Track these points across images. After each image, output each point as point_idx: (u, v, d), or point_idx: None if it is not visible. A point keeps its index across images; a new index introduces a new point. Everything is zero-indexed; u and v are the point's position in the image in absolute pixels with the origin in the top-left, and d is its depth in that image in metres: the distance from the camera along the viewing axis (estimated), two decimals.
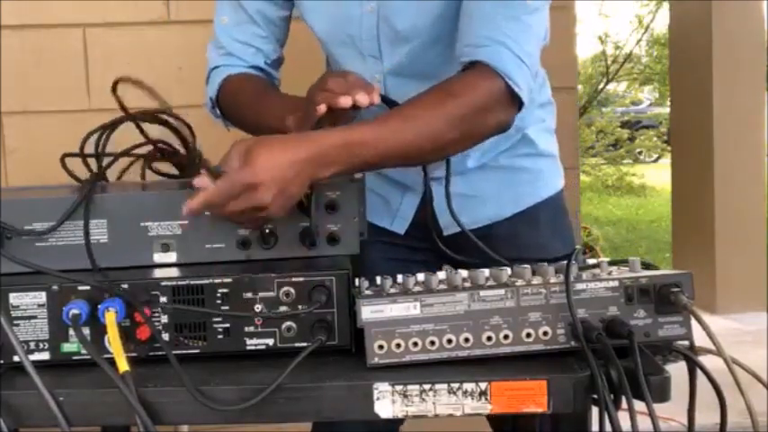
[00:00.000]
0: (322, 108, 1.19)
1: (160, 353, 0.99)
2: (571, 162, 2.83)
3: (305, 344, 0.99)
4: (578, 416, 0.95)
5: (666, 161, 9.36)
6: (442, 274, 1.03)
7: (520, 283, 0.98)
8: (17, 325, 1.00)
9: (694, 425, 1.01)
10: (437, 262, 1.50)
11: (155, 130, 1.38)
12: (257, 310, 1.02)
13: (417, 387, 0.93)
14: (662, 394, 0.91)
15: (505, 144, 1.47)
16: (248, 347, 1.02)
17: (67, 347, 1.01)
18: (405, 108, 1.19)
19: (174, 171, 1.42)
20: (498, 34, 1.21)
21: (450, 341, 0.97)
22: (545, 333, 0.97)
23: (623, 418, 0.89)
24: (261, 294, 1.02)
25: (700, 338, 0.98)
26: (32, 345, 1.00)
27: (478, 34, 1.23)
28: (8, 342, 0.98)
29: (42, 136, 2.36)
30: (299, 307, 1.01)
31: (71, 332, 1.00)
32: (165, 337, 1.01)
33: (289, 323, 1.02)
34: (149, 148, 1.38)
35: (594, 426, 0.94)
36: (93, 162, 1.31)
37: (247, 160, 1.02)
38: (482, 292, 0.97)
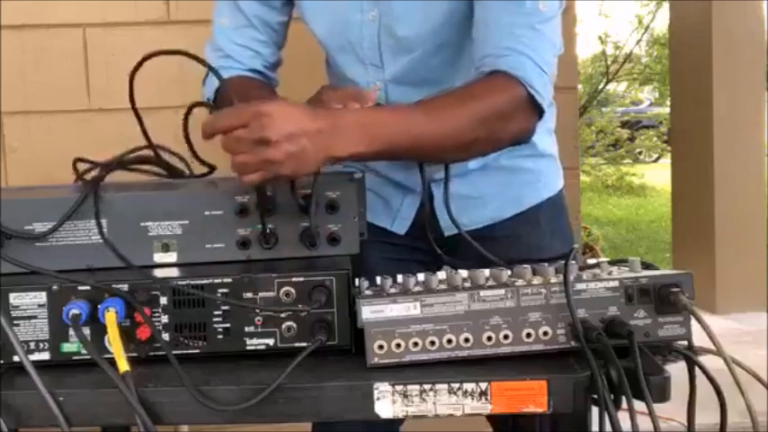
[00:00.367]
0: None
1: (160, 353, 0.99)
2: (571, 162, 2.83)
3: (305, 344, 0.99)
4: (578, 416, 0.95)
5: (666, 161, 9.36)
6: (441, 274, 1.03)
7: (520, 283, 0.98)
8: (17, 325, 1.00)
9: (694, 425, 1.01)
10: (437, 262, 1.50)
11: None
12: (257, 310, 1.02)
13: (417, 387, 0.93)
14: (662, 394, 0.91)
15: None
16: (248, 347, 1.02)
17: (67, 347, 1.01)
18: (427, 102, 1.18)
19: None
20: (518, 44, 1.22)
21: (450, 341, 0.97)
22: (545, 333, 0.97)
23: (623, 418, 0.89)
24: (261, 294, 1.02)
25: (700, 338, 0.98)
26: (32, 345, 1.00)
27: (498, 44, 1.23)
28: (8, 342, 0.98)
29: (42, 136, 2.36)
30: (300, 307, 1.01)
31: (71, 332, 1.00)
32: (165, 337, 1.01)
33: (289, 323, 1.02)
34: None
35: (594, 426, 0.94)
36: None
37: (263, 104, 1.03)
38: (482, 292, 0.97)
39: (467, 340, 0.97)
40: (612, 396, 0.91)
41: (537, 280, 0.99)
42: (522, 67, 1.21)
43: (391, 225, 1.52)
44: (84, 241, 1.08)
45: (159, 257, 1.10)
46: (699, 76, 5.07)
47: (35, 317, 1.00)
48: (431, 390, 0.93)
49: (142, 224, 1.09)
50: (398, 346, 0.96)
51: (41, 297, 1.00)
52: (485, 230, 1.45)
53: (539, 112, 1.24)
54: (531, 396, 0.93)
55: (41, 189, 1.20)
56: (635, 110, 15.85)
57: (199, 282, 1.01)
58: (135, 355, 0.99)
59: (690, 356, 0.99)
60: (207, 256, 1.10)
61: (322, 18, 1.41)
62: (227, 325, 1.02)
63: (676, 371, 0.95)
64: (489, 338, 0.97)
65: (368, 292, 0.99)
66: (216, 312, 1.02)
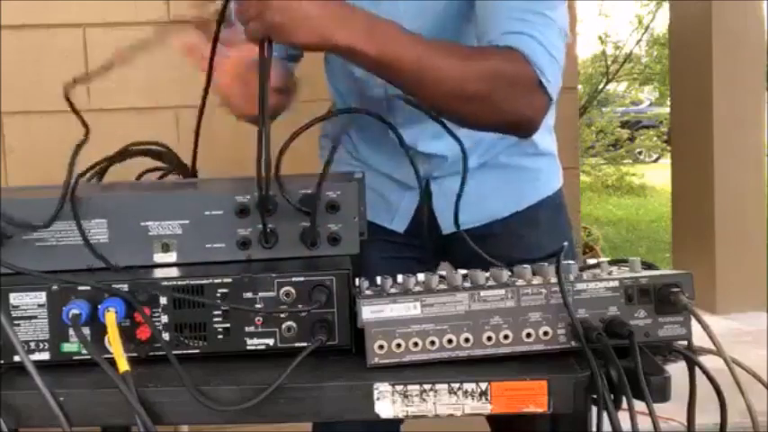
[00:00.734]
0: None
1: (160, 353, 0.99)
2: (571, 162, 2.84)
3: (305, 344, 0.99)
4: (578, 416, 0.95)
5: (666, 161, 9.36)
6: (442, 274, 1.03)
7: (520, 282, 0.98)
8: (17, 325, 1.00)
9: (694, 425, 1.01)
10: (436, 260, 1.50)
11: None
12: (257, 310, 1.02)
13: (417, 387, 0.93)
14: (662, 394, 0.91)
15: (506, 142, 1.47)
16: (248, 347, 1.02)
17: (67, 347, 1.01)
18: (443, 41, 1.17)
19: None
20: (528, 28, 1.18)
21: (450, 341, 0.97)
22: (545, 333, 0.97)
23: (623, 418, 0.89)
24: (261, 294, 1.01)
25: (700, 338, 0.98)
26: (32, 345, 1.00)
27: (507, 28, 1.20)
28: (8, 342, 0.98)
29: (42, 136, 2.36)
30: (300, 307, 1.01)
31: (71, 332, 1.00)
32: (165, 336, 1.01)
33: (289, 323, 1.02)
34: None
35: (594, 426, 0.94)
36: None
37: None
38: (482, 292, 0.97)
39: (467, 340, 0.97)
40: (612, 396, 0.91)
41: (537, 280, 0.99)
42: (534, 51, 1.17)
43: (391, 223, 1.52)
44: (83, 242, 1.08)
45: (159, 257, 1.10)
46: (699, 76, 5.07)
47: (35, 317, 1.00)
48: (431, 390, 0.93)
49: (142, 224, 1.09)
50: (399, 346, 0.96)
51: (41, 297, 1.00)
52: (484, 228, 1.45)
53: (547, 100, 1.20)
54: (531, 396, 0.93)
55: (41, 189, 1.20)
56: (635, 110, 15.86)
57: (199, 282, 1.01)
58: (135, 355, 0.99)
59: (690, 356, 0.99)
60: (207, 255, 1.10)
61: None
62: (227, 325, 1.02)
63: (676, 371, 0.95)
64: (489, 338, 0.97)
65: (368, 292, 0.99)
66: (216, 312, 1.02)
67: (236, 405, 0.91)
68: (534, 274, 1.01)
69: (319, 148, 1.63)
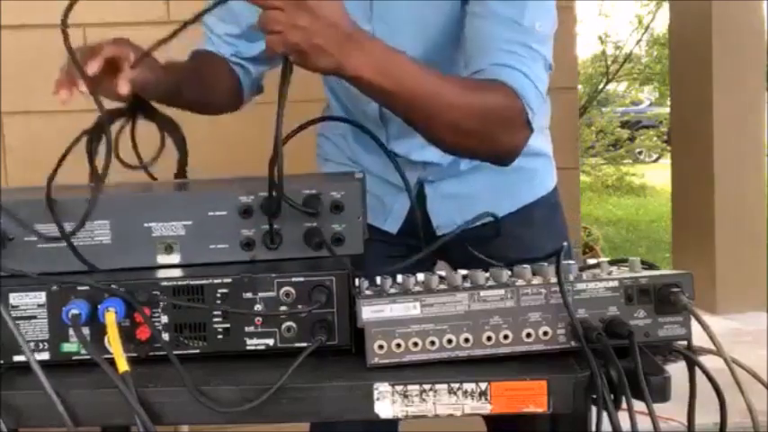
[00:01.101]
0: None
1: (160, 353, 0.99)
2: (571, 162, 2.84)
3: (305, 344, 0.99)
4: (578, 416, 0.95)
5: (666, 161, 9.36)
6: (441, 274, 1.03)
7: (520, 283, 0.98)
8: (17, 325, 1.00)
9: (694, 425, 1.01)
10: (431, 260, 1.50)
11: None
12: (257, 311, 1.02)
13: (417, 387, 0.93)
14: (662, 394, 0.91)
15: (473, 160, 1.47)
16: (248, 347, 1.02)
17: (67, 347, 1.01)
18: (447, 77, 1.19)
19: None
20: (515, 62, 1.21)
21: (450, 341, 0.97)
22: (545, 333, 0.97)
23: (623, 419, 0.89)
24: (261, 294, 1.01)
25: (700, 338, 0.98)
26: (32, 345, 1.00)
27: (495, 60, 1.23)
28: (8, 342, 0.98)
29: (42, 136, 2.36)
30: (300, 307, 1.01)
31: (71, 332, 1.00)
32: (165, 337, 1.01)
33: (289, 323, 1.02)
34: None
35: (594, 426, 0.94)
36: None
37: None
38: (482, 292, 0.97)
39: (467, 340, 0.97)
40: (612, 396, 0.91)
41: (537, 280, 0.99)
42: (521, 84, 1.21)
43: (384, 224, 1.52)
44: (87, 242, 1.08)
45: (162, 258, 1.09)
46: (699, 76, 5.07)
47: (35, 317, 1.00)
48: (431, 390, 0.93)
49: (145, 225, 1.09)
50: (398, 346, 0.96)
51: (41, 297, 1.00)
52: (478, 229, 1.45)
53: (529, 133, 1.24)
54: (531, 396, 0.93)
55: (41, 189, 1.20)
56: (635, 110, 15.86)
57: (198, 282, 1.01)
58: (135, 355, 0.99)
59: (690, 356, 0.99)
60: (211, 256, 1.10)
61: None
62: (227, 325, 1.02)
63: (676, 371, 0.95)
64: (489, 338, 0.97)
65: (368, 292, 0.99)
66: (216, 312, 1.02)
67: (237, 405, 0.91)
68: (534, 274, 1.01)
69: (317, 147, 1.64)
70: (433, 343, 0.97)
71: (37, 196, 1.08)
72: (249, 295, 1.01)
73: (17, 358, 0.99)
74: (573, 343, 0.97)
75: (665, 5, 10.09)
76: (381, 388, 0.93)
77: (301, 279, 1.01)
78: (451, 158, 1.46)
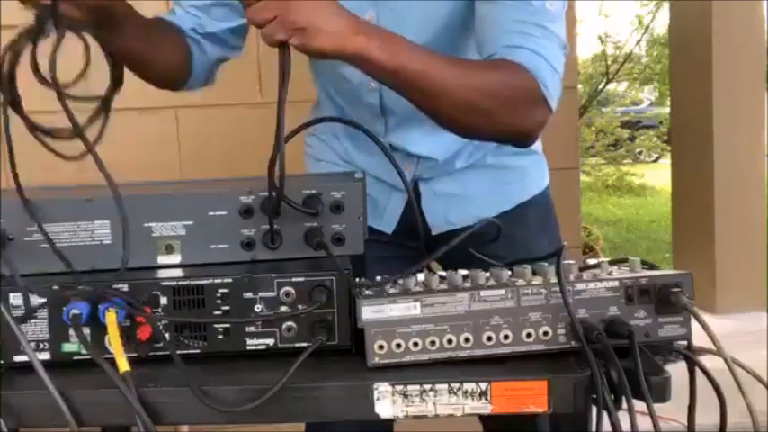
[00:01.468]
0: None
1: (160, 353, 0.99)
2: (571, 162, 2.84)
3: (305, 344, 0.99)
4: (578, 416, 0.95)
5: (666, 161, 9.37)
6: (442, 274, 1.03)
7: (520, 282, 0.99)
8: (18, 325, 1.00)
9: (694, 425, 1.01)
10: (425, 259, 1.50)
11: None
12: (257, 311, 1.02)
13: (417, 387, 0.93)
14: (662, 394, 0.91)
15: (493, 144, 1.47)
16: (248, 347, 1.02)
17: (68, 347, 1.01)
18: (452, 57, 1.18)
19: None
20: (530, 42, 1.20)
21: (450, 341, 0.97)
22: (545, 333, 0.97)
23: (623, 418, 0.89)
24: (261, 294, 1.02)
25: (700, 338, 0.98)
26: (33, 345, 1.00)
27: (509, 42, 1.21)
28: (8, 342, 0.98)
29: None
30: (300, 307, 1.01)
31: (71, 332, 1.00)
32: (166, 337, 1.01)
33: (289, 323, 1.02)
34: None
35: (594, 426, 0.94)
36: None
37: None
38: (482, 292, 0.97)
39: (467, 340, 0.97)
40: (612, 396, 0.91)
41: (537, 280, 0.99)
42: (537, 65, 1.19)
43: (379, 224, 1.52)
44: (87, 242, 1.08)
45: (163, 259, 1.09)
46: (699, 76, 5.07)
47: (35, 317, 1.00)
48: (431, 390, 0.93)
49: (146, 225, 1.09)
50: (399, 346, 0.96)
51: (41, 297, 1.00)
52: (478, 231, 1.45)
53: (548, 112, 1.22)
54: (531, 396, 0.93)
55: (41, 190, 1.20)
56: (635, 110, 15.87)
57: (199, 282, 1.01)
58: (135, 355, 0.99)
59: (690, 356, 0.99)
60: (211, 256, 1.10)
61: None
62: (228, 325, 1.02)
63: (676, 371, 0.95)
64: (489, 338, 0.97)
65: (368, 292, 0.99)
66: (216, 312, 1.02)
67: (238, 405, 0.91)
68: (534, 273, 1.01)
69: (307, 147, 1.63)
70: (433, 343, 0.97)
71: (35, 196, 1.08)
72: (249, 295, 1.01)
73: (18, 358, 0.99)
74: (573, 343, 0.97)
75: (665, 5, 10.10)
76: (381, 388, 0.93)
77: (301, 279, 1.01)
78: (448, 154, 1.46)
